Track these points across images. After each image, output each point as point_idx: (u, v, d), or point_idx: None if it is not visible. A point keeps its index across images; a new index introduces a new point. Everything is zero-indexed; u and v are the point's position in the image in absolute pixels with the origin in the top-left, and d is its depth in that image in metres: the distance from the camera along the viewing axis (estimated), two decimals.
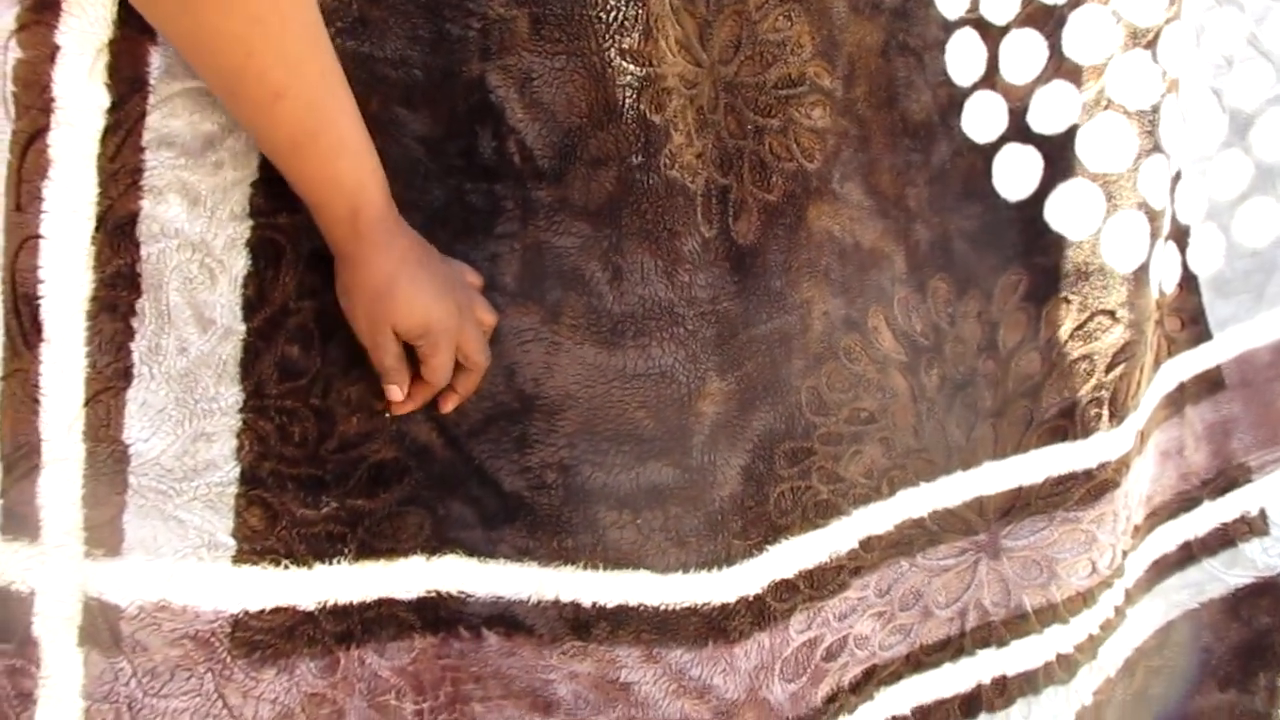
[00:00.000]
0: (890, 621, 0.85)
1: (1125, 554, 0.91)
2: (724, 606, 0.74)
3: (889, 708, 0.86)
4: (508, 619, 0.72)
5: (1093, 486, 0.86)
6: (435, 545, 0.70)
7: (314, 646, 0.66)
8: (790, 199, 0.78)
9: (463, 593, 0.71)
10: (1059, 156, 0.84)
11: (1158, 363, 0.93)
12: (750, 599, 0.75)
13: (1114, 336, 0.85)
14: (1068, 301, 0.85)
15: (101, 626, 0.60)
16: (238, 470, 0.63)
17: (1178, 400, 0.97)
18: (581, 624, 0.72)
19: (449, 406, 0.69)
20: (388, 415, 0.68)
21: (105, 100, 0.59)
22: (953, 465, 0.86)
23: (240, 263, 0.63)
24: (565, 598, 0.72)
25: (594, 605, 0.72)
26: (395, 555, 0.69)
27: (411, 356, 0.66)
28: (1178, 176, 0.91)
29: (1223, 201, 0.96)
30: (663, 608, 0.72)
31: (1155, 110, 0.83)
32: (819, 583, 0.80)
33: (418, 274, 0.63)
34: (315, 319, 0.65)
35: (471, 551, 0.71)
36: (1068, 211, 0.84)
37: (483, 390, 0.70)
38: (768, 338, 0.77)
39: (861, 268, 0.82)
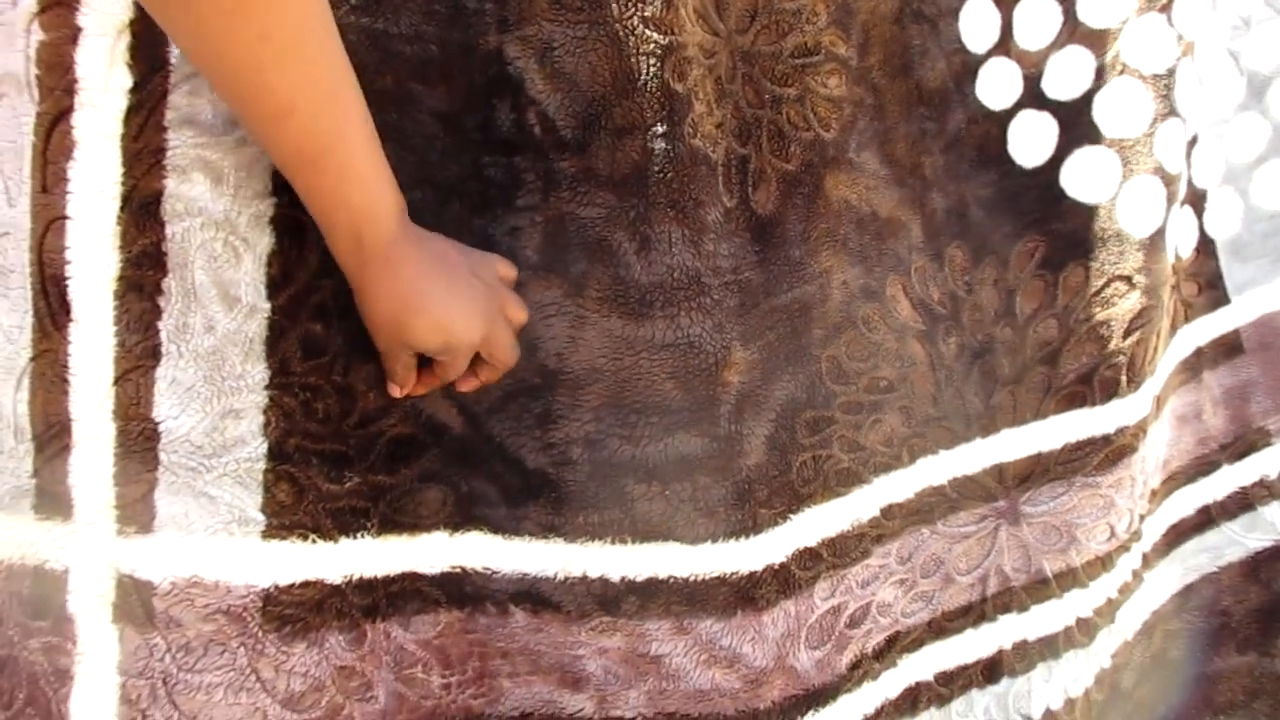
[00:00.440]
0: (912, 589, 0.85)
1: (1143, 518, 0.92)
2: (752, 575, 0.74)
3: (912, 674, 0.87)
4: (534, 596, 0.72)
5: (1111, 452, 0.87)
6: (458, 522, 0.71)
7: (342, 619, 0.67)
8: (808, 168, 0.78)
9: (487, 569, 0.72)
10: (1074, 122, 0.84)
11: (1174, 328, 0.93)
12: (776, 567, 0.75)
13: (1130, 302, 0.85)
14: (1084, 267, 0.85)
15: (135, 603, 0.60)
16: (265, 446, 0.63)
17: (1195, 365, 0.97)
18: (610, 599, 0.72)
19: (466, 388, 0.69)
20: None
21: (127, 81, 0.59)
22: (972, 432, 0.86)
23: (264, 240, 0.63)
24: (593, 573, 0.72)
25: (623, 580, 0.72)
26: (417, 530, 0.70)
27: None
28: (1194, 140, 0.91)
29: (1240, 164, 0.95)
30: (692, 579, 0.73)
31: (1171, 74, 0.83)
32: (841, 550, 0.80)
33: (435, 292, 0.62)
34: (334, 296, 0.65)
35: (495, 529, 0.71)
36: (1083, 177, 0.84)
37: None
38: (788, 307, 0.77)
39: (879, 236, 0.82)
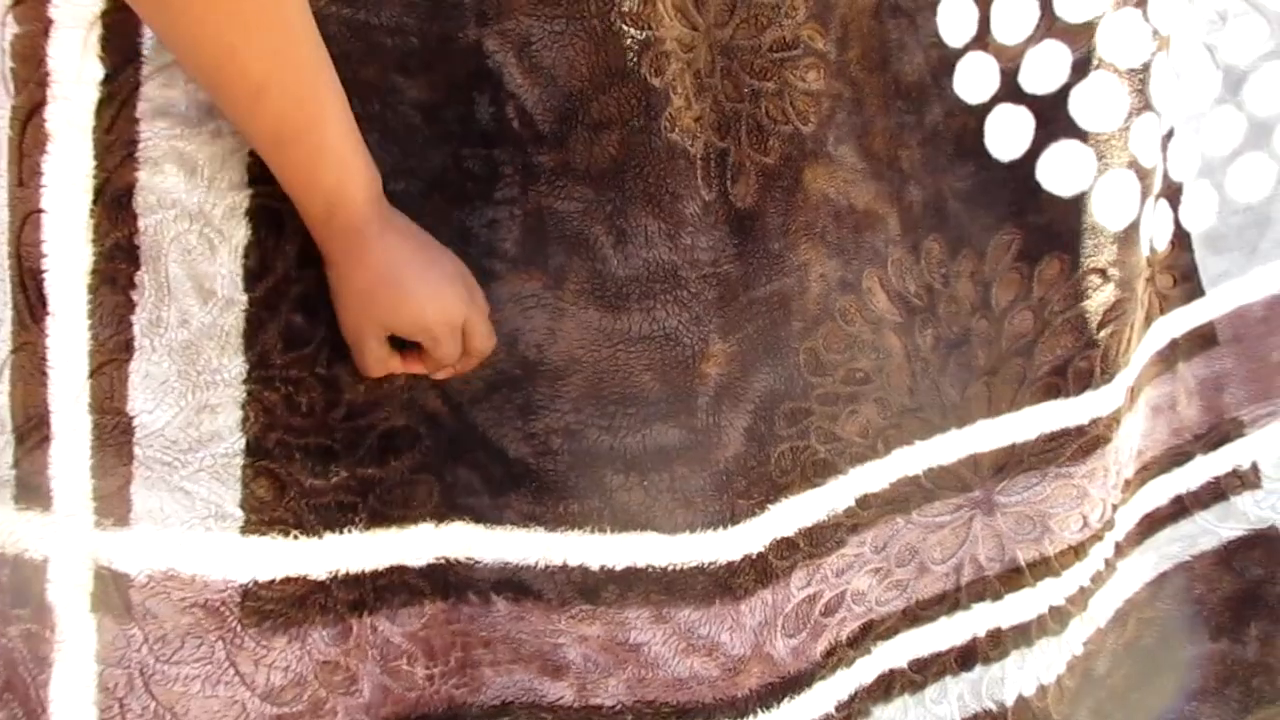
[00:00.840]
0: (887, 577, 0.86)
1: (1116, 508, 0.93)
2: (730, 565, 0.75)
3: (886, 661, 0.88)
4: (515, 584, 0.73)
5: (1084, 443, 0.87)
6: (443, 512, 0.71)
7: (326, 615, 0.67)
8: (787, 162, 0.78)
9: (470, 559, 0.72)
10: (1051, 116, 0.84)
11: (1149, 320, 0.94)
12: (754, 557, 0.76)
13: (1105, 295, 0.86)
14: (1060, 260, 0.85)
15: (113, 594, 0.61)
16: (243, 442, 0.63)
17: (1170, 357, 0.97)
18: (590, 588, 0.73)
19: (443, 376, 0.69)
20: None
21: (99, 72, 0.59)
22: (947, 423, 0.87)
23: (240, 232, 0.63)
24: (573, 562, 0.72)
25: (602, 569, 0.73)
26: (406, 523, 0.70)
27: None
28: (1170, 134, 0.91)
29: (1216, 158, 0.96)
30: (670, 568, 0.73)
31: (1146, 69, 0.83)
32: (817, 540, 0.81)
33: (414, 269, 0.63)
34: (318, 286, 0.65)
35: (478, 518, 0.72)
36: (1060, 171, 0.84)
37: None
38: (767, 300, 0.78)
39: (856, 229, 0.82)
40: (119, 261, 0.60)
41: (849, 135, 0.82)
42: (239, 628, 0.63)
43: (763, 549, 0.77)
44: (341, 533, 0.67)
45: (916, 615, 0.88)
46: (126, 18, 0.59)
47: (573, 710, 0.75)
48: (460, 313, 0.64)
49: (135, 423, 0.61)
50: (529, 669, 0.74)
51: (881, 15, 0.82)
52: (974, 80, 0.84)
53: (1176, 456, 0.99)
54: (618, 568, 0.73)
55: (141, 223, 0.61)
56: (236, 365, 0.63)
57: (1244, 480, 0.99)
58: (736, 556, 0.75)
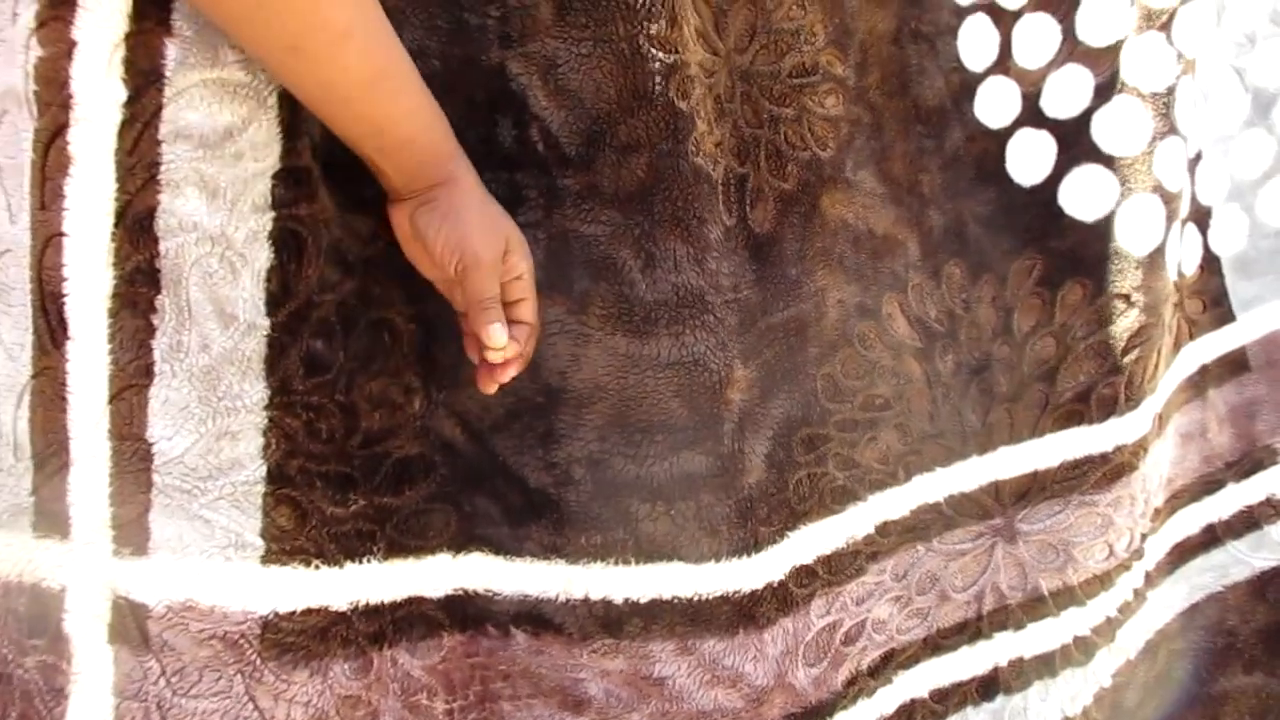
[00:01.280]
0: (907, 606, 0.85)
1: (1144, 537, 0.91)
2: (753, 593, 0.74)
3: (907, 690, 0.86)
4: (535, 617, 0.71)
5: (1109, 470, 0.86)
6: (461, 542, 0.70)
7: (348, 647, 0.66)
8: (805, 187, 0.78)
9: (489, 590, 0.71)
10: (1073, 141, 0.84)
11: (1178, 346, 0.93)
12: (775, 585, 0.75)
13: (1129, 320, 0.85)
14: (1083, 285, 0.85)
15: (130, 625, 0.60)
16: (264, 469, 0.62)
17: (1199, 383, 0.96)
18: (613, 621, 0.71)
19: (505, 377, 0.66)
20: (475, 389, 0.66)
21: (122, 94, 0.58)
22: (968, 450, 0.86)
23: (263, 256, 0.62)
24: (595, 595, 0.71)
25: (626, 601, 0.71)
26: (423, 553, 0.69)
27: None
28: (1198, 157, 0.91)
29: (1245, 181, 0.95)
30: (696, 598, 0.72)
31: (1170, 92, 0.83)
32: (837, 568, 0.80)
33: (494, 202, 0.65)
34: (336, 312, 0.65)
35: (497, 549, 0.71)
36: (1082, 195, 0.84)
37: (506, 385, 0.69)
38: (785, 325, 0.77)
39: (875, 255, 0.82)
40: (140, 285, 0.60)
41: (868, 160, 0.81)
42: (258, 661, 0.62)
43: (784, 577, 0.76)
44: (361, 562, 0.66)
45: (938, 644, 0.87)
46: (149, 40, 0.59)
47: None
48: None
49: (154, 449, 0.60)
50: (549, 704, 0.73)
51: (901, 40, 0.82)
52: (995, 104, 0.83)
53: (1208, 484, 0.98)
54: (642, 600, 0.71)
55: (162, 246, 0.60)
56: (258, 391, 0.62)
57: (1277, 509, 0.98)
58: (760, 585, 0.74)
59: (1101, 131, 0.83)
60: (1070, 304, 0.85)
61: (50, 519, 0.58)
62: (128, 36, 0.58)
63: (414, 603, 0.69)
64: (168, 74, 0.59)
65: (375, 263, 0.66)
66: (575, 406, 0.70)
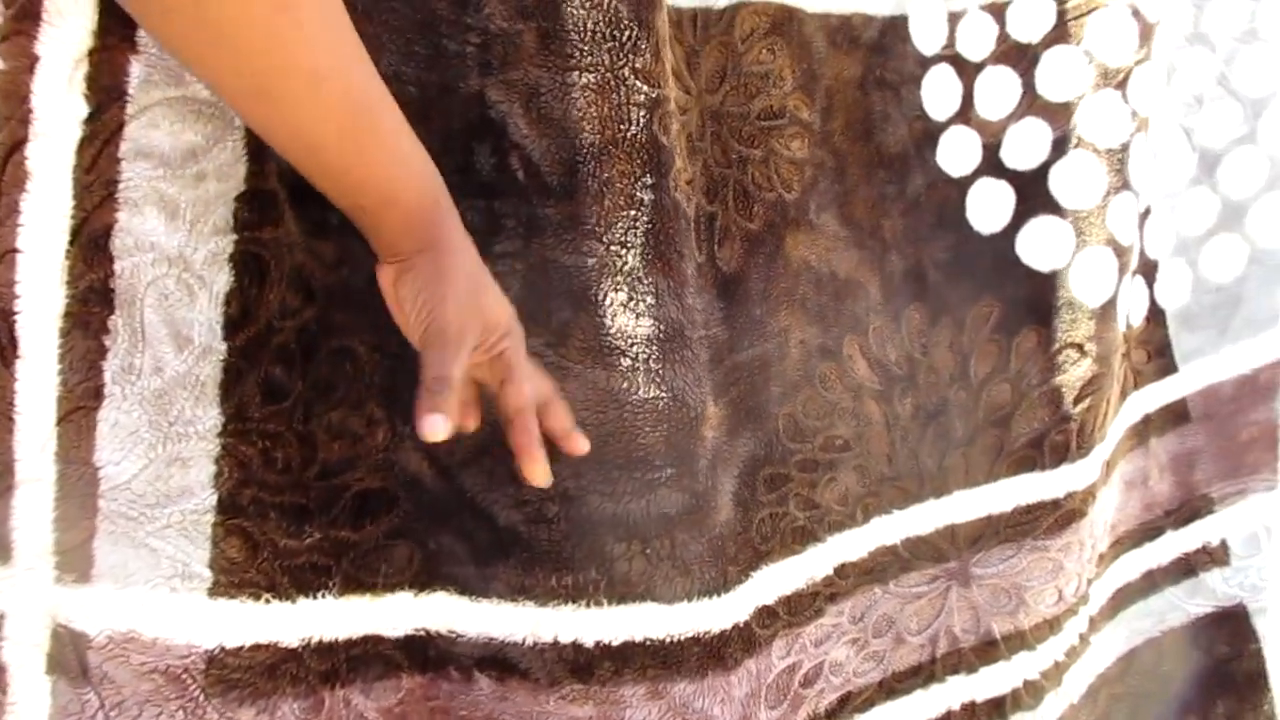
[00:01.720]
0: (864, 648, 0.85)
1: (1090, 582, 0.93)
2: (722, 634, 0.73)
3: None
4: (500, 661, 0.69)
5: (1060, 516, 0.88)
6: (424, 581, 0.68)
7: (298, 686, 0.63)
8: (770, 228, 0.78)
9: (452, 632, 0.69)
10: (1031, 192, 0.86)
11: (1124, 394, 0.95)
12: (741, 626, 0.74)
13: (1082, 369, 0.87)
14: (1038, 333, 0.86)
15: (70, 655, 0.57)
16: (215, 498, 0.60)
17: (1143, 431, 0.99)
18: (582, 665, 0.69)
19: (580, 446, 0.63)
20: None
21: (83, 110, 0.57)
22: (925, 493, 0.86)
23: (222, 278, 0.61)
24: (565, 638, 0.69)
25: (597, 644, 0.69)
26: (382, 590, 0.67)
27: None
28: (1147, 212, 0.93)
29: (1190, 237, 0.98)
30: (668, 640, 0.71)
31: (1125, 149, 0.86)
32: (796, 609, 0.80)
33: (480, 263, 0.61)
34: (297, 339, 0.63)
35: (462, 589, 0.68)
36: (1039, 245, 0.86)
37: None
38: (749, 364, 0.77)
39: (837, 296, 0.83)
40: (93, 305, 0.58)
41: (831, 203, 0.82)
42: (202, 697, 0.60)
43: (748, 617, 0.75)
44: (315, 597, 0.64)
45: (893, 687, 0.87)
46: (114, 56, 0.58)
47: None
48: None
49: (101, 474, 0.58)
50: None
51: (867, 88, 0.83)
52: (956, 153, 0.85)
53: (1148, 531, 1.00)
54: (615, 642, 0.69)
55: (118, 265, 0.59)
56: (211, 417, 0.61)
57: (1213, 557, 1.00)
58: (728, 625, 0.73)
59: (1058, 184, 0.85)
60: (1025, 351, 0.86)
61: None
62: (92, 52, 0.57)
63: (370, 641, 0.67)
64: (131, 91, 0.58)
65: (339, 290, 0.65)
66: (550, 442, 0.69)
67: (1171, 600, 1.01)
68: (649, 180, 0.68)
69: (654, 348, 0.69)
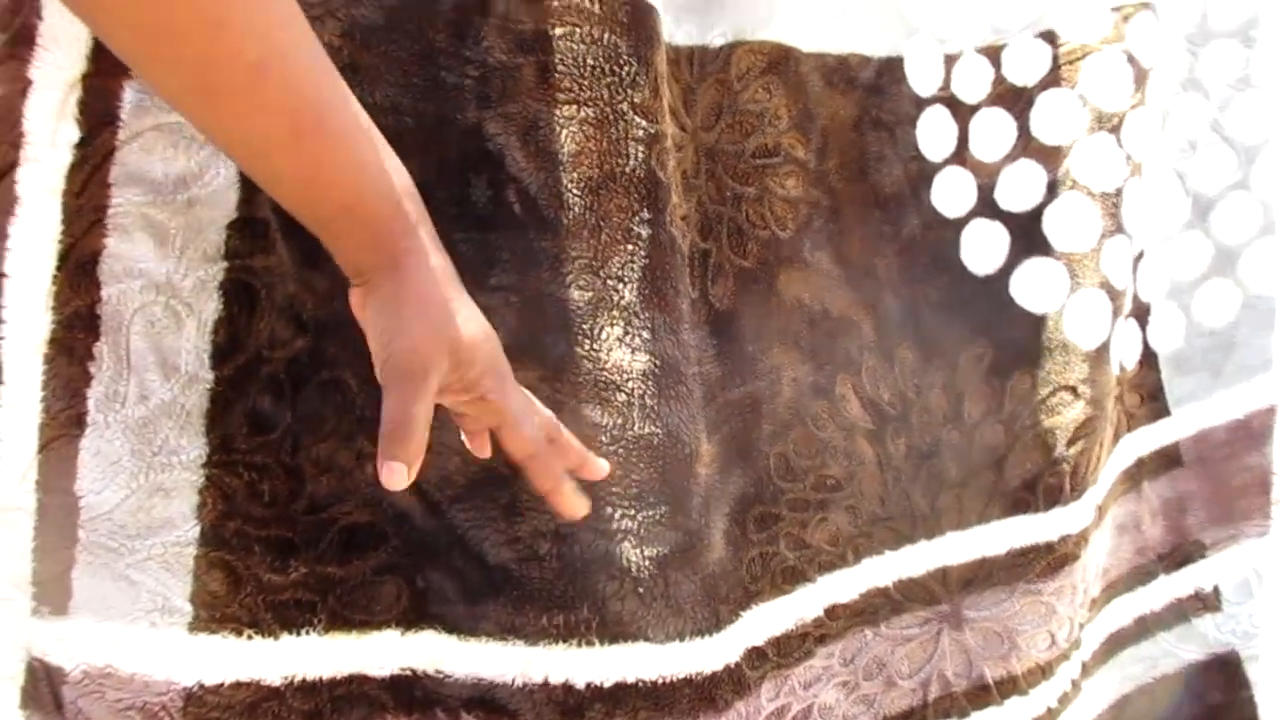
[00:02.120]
0: (854, 691, 0.84)
1: (1082, 626, 0.92)
2: (713, 675, 0.71)
3: None
4: (488, 702, 0.67)
5: (1053, 559, 0.87)
6: (412, 619, 0.66)
7: None
8: (763, 266, 0.78)
9: (440, 672, 0.67)
10: (1025, 234, 0.86)
11: (1117, 437, 0.95)
12: (732, 667, 0.73)
13: (1075, 412, 0.86)
14: (1031, 376, 0.86)
15: (44, 689, 0.56)
16: (197, 529, 0.59)
17: (1135, 475, 0.98)
18: (573, 707, 0.67)
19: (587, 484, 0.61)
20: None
21: (75, 135, 0.57)
22: (917, 534, 0.85)
23: (210, 306, 0.60)
24: (555, 679, 0.66)
25: (588, 686, 0.67)
26: (368, 628, 0.65)
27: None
28: (1140, 256, 0.93)
29: (1183, 281, 0.98)
30: (660, 681, 0.69)
31: (1119, 193, 0.86)
32: (785, 650, 0.78)
33: (459, 282, 0.54)
34: (286, 370, 0.62)
35: (451, 628, 0.67)
36: (1033, 287, 0.86)
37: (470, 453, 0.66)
38: (740, 402, 0.77)
39: (830, 335, 0.82)
40: (78, 331, 0.58)
41: (825, 242, 0.82)
42: None
43: (739, 658, 0.74)
44: (299, 634, 0.62)
45: None
46: (107, 82, 0.58)
47: None
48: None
49: (81, 503, 0.57)
50: None
51: (862, 128, 0.84)
52: (951, 194, 0.85)
53: (1141, 576, 0.99)
54: (606, 683, 0.67)
55: (105, 291, 0.58)
56: (196, 447, 0.60)
57: (1205, 603, 1.00)
58: (719, 666, 0.71)
59: (1053, 227, 0.86)
60: (1019, 393, 0.86)
61: None
62: (85, 77, 0.57)
63: (356, 681, 0.65)
64: (123, 117, 0.58)
65: (332, 323, 0.63)
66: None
67: (1164, 646, 1.00)
68: (646, 215, 0.67)
69: (649, 383, 0.68)
